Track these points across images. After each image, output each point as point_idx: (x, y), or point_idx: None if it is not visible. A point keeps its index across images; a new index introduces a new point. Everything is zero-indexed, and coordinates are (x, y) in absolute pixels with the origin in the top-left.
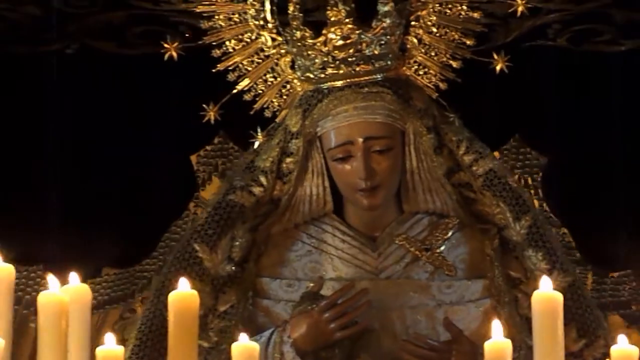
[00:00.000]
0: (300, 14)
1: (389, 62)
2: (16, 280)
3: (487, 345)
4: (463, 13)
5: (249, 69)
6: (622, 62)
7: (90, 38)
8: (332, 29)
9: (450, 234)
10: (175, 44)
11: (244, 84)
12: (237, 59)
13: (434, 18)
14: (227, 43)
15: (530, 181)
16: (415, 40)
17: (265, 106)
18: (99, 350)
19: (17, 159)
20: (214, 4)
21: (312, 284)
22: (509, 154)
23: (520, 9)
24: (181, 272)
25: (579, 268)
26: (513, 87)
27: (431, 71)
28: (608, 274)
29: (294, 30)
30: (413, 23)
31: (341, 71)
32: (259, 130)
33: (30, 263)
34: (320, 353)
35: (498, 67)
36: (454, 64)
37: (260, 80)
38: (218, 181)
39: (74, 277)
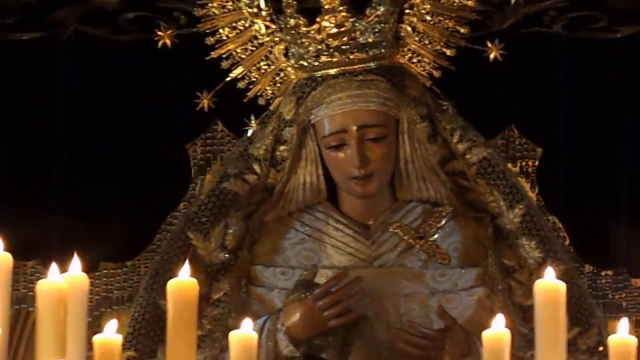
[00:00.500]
0: (294, 2)
1: (382, 50)
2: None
3: (486, 335)
4: (457, 1)
5: (243, 56)
6: (617, 49)
7: (83, 24)
8: (326, 17)
9: (443, 222)
10: (169, 32)
11: (237, 71)
12: (231, 46)
13: (428, 6)
14: (221, 31)
15: (525, 170)
16: (409, 28)
17: (259, 94)
18: (96, 338)
19: (8, 149)
20: None
21: (305, 272)
22: (504, 144)
23: None
24: (174, 259)
25: (575, 265)
26: (508, 75)
27: (425, 59)
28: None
29: (288, 18)
30: (407, 11)
31: (335, 59)
32: (252, 118)
33: (28, 258)
34: (314, 341)
35: (492, 55)
36: (448, 52)
37: (254, 68)
38: (214, 169)
39: (75, 264)
